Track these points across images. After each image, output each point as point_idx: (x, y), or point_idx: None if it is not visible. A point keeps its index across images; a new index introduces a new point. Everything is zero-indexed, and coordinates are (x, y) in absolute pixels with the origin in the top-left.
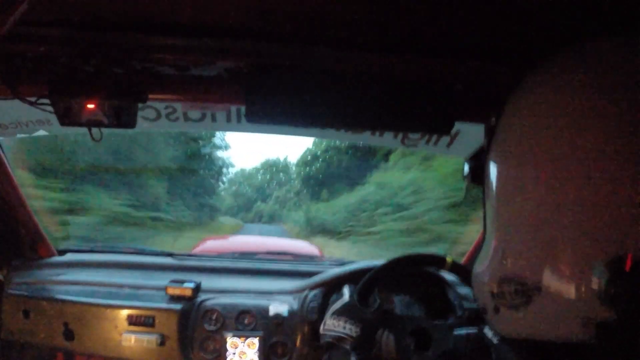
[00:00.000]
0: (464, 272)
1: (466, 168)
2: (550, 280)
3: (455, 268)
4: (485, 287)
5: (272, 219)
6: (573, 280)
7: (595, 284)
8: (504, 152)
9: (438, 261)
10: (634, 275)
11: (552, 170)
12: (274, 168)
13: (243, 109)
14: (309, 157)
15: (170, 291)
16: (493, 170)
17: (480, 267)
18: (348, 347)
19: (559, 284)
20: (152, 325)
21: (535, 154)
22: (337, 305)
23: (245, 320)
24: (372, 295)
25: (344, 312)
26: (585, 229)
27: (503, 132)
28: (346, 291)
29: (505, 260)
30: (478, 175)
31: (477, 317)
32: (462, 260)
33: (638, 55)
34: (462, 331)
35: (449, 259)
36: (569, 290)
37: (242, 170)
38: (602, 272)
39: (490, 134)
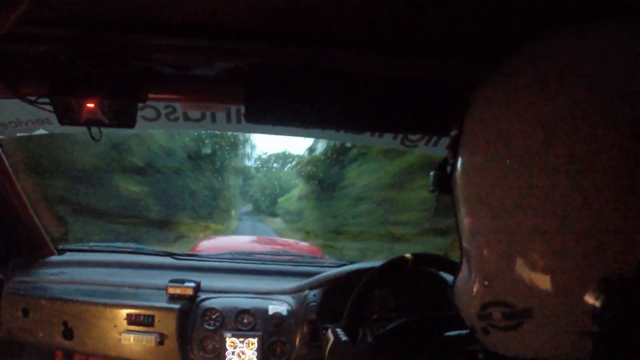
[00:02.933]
0: (433, 260)
1: (431, 178)
2: (540, 303)
3: (421, 260)
4: (470, 309)
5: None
6: (564, 301)
7: (587, 304)
8: (469, 162)
9: (399, 263)
10: (626, 294)
11: (525, 182)
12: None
13: (243, 109)
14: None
15: (171, 291)
16: (459, 180)
17: (461, 286)
18: None
19: (551, 307)
20: (151, 324)
21: (503, 163)
22: (327, 349)
23: (245, 320)
24: (360, 323)
25: (336, 355)
26: (572, 250)
27: (467, 138)
28: (331, 334)
29: (488, 283)
30: (445, 185)
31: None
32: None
33: (607, 49)
34: (454, 332)
35: (407, 256)
36: (562, 312)
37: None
38: (594, 292)
39: (455, 139)
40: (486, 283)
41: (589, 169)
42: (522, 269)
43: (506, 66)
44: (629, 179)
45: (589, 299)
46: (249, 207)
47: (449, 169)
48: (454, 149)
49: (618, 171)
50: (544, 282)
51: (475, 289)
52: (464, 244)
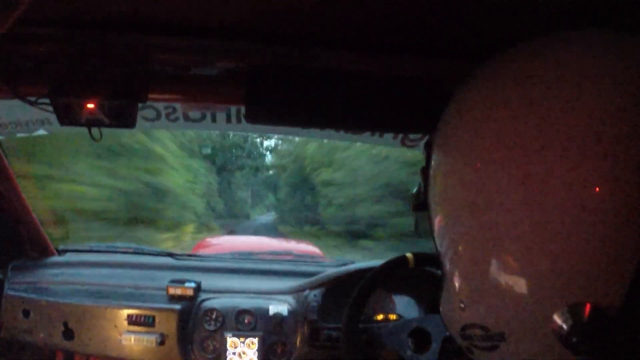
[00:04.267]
0: (433, 259)
1: (411, 198)
2: (512, 328)
3: (421, 260)
4: (452, 329)
5: None
6: (534, 325)
7: (555, 328)
8: (440, 161)
9: (400, 263)
10: (595, 322)
11: (489, 183)
12: None
13: (243, 109)
14: None
15: (171, 291)
16: (431, 197)
17: (444, 306)
18: None
19: (522, 331)
20: (152, 325)
21: (470, 165)
22: None
23: (245, 320)
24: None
25: None
26: (543, 274)
27: (442, 137)
28: None
29: (463, 306)
30: (423, 203)
31: None
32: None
33: (596, 54)
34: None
35: (408, 255)
36: (533, 337)
37: None
38: (562, 316)
39: (428, 149)
40: (462, 306)
41: (565, 190)
42: (493, 293)
43: (481, 70)
44: (605, 197)
45: (557, 323)
46: (268, 216)
47: (421, 182)
48: (429, 152)
49: (593, 190)
50: (514, 306)
51: (454, 311)
52: (443, 265)
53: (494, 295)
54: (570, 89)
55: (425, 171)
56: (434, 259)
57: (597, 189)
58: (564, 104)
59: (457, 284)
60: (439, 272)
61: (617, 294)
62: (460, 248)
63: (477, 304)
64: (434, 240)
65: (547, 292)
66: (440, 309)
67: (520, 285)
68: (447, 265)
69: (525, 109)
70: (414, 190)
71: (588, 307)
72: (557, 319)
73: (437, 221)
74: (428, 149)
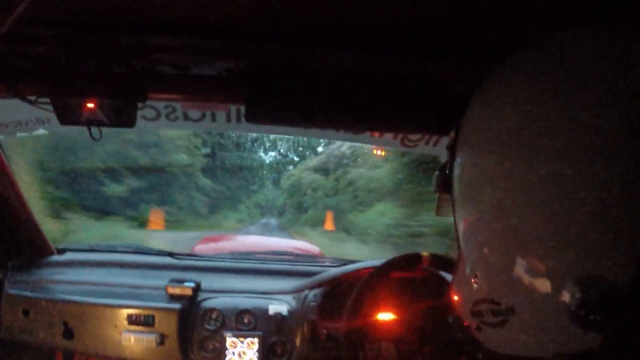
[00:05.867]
0: (449, 263)
1: (434, 178)
2: (522, 302)
3: (436, 261)
4: (464, 306)
5: None
6: (545, 301)
7: (567, 305)
8: (466, 162)
9: (414, 260)
10: (604, 298)
11: (515, 186)
12: None
13: (243, 108)
14: None
15: (170, 290)
16: (456, 181)
17: (457, 284)
18: None
19: (532, 306)
20: (151, 324)
21: (498, 164)
22: None
23: (245, 320)
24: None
25: None
26: (555, 250)
27: (466, 135)
28: None
29: (476, 280)
30: (446, 185)
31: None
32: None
33: (605, 49)
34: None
35: (424, 254)
36: (542, 313)
37: None
38: (574, 293)
39: (454, 139)
40: (476, 281)
41: (582, 174)
42: (506, 268)
43: (502, 69)
44: (622, 184)
45: (566, 297)
46: (272, 222)
47: (447, 170)
48: (452, 150)
49: (612, 178)
50: (525, 280)
51: (468, 287)
52: (460, 243)
53: (506, 269)
54: (596, 87)
55: (452, 147)
56: (448, 262)
57: (614, 178)
58: (589, 103)
59: (471, 260)
60: (440, 272)
61: (627, 270)
62: (476, 226)
63: (490, 278)
64: (454, 218)
65: (557, 266)
66: (452, 290)
67: (531, 259)
68: (463, 243)
69: (547, 108)
70: (437, 173)
71: (598, 282)
72: (566, 293)
73: (458, 203)
74: (456, 127)
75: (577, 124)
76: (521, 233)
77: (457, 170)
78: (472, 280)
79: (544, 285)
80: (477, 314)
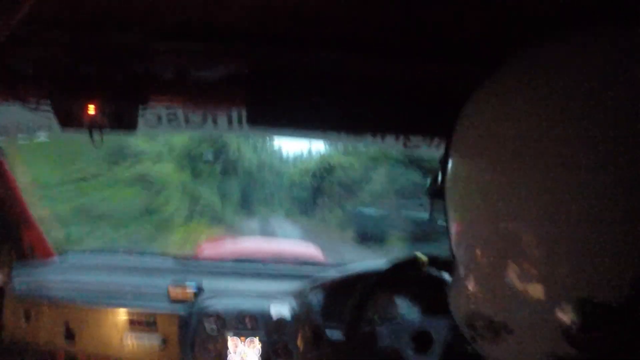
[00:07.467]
0: (448, 265)
1: (427, 183)
2: (515, 320)
3: (435, 264)
4: (458, 317)
5: None
6: (539, 320)
7: (563, 324)
8: (458, 168)
9: (411, 264)
10: (599, 319)
11: (508, 186)
12: None
13: (244, 112)
14: None
15: (172, 293)
16: (449, 186)
17: (452, 294)
18: None
19: (526, 324)
20: (153, 327)
21: (490, 171)
22: None
23: (247, 323)
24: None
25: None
26: (551, 268)
27: (460, 139)
28: None
29: (470, 294)
30: (439, 190)
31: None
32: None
33: (608, 53)
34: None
35: (420, 257)
36: (536, 331)
37: None
38: (571, 312)
39: (447, 145)
40: (469, 292)
41: (582, 178)
42: (500, 282)
43: (496, 74)
44: (619, 196)
45: (565, 319)
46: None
47: (440, 175)
48: (445, 155)
49: (609, 189)
50: (520, 297)
51: (462, 298)
52: (453, 249)
53: (500, 286)
54: (596, 91)
55: (443, 163)
56: (447, 265)
57: (612, 194)
58: (587, 108)
59: (465, 271)
60: (440, 274)
61: (622, 292)
62: (467, 232)
63: (483, 293)
64: (448, 227)
65: (552, 287)
66: (449, 298)
67: (526, 278)
68: (455, 249)
69: (542, 114)
70: (430, 178)
71: (593, 304)
72: (562, 314)
73: (451, 210)
74: (449, 132)
75: (574, 131)
76: (513, 241)
77: (449, 176)
78: (467, 292)
79: (538, 305)
80: (472, 328)
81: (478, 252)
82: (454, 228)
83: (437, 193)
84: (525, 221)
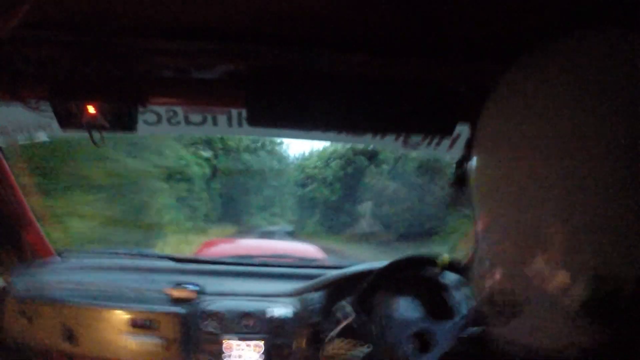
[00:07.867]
0: (462, 271)
1: (451, 172)
2: (531, 297)
3: (451, 268)
4: (479, 294)
5: None
6: (553, 299)
7: (575, 303)
8: (483, 157)
9: (430, 262)
10: (620, 295)
11: (532, 179)
12: None
13: (244, 112)
14: None
15: (173, 294)
16: (474, 176)
17: (475, 272)
18: None
19: (541, 302)
20: (154, 328)
21: (513, 162)
22: (336, 329)
23: (247, 323)
24: (370, 304)
25: (348, 333)
26: (571, 243)
27: (484, 132)
28: (340, 313)
29: (492, 270)
30: (463, 178)
31: (481, 317)
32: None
33: (622, 49)
34: (465, 333)
35: (440, 260)
36: (551, 308)
37: None
38: (582, 291)
39: (472, 133)
40: (491, 270)
41: (601, 171)
42: (522, 260)
43: (518, 69)
44: (636, 185)
45: (575, 295)
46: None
47: (465, 164)
48: (469, 147)
49: (626, 179)
50: (542, 272)
51: (482, 276)
52: (477, 236)
53: (516, 262)
54: (613, 86)
55: (468, 143)
56: (461, 271)
57: (630, 182)
58: (604, 104)
59: (490, 250)
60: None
61: (636, 270)
62: (492, 221)
63: (506, 269)
64: (472, 211)
65: (566, 264)
66: (471, 275)
67: (544, 254)
68: (480, 235)
69: (563, 109)
70: (454, 166)
71: (608, 278)
72: (575, 291)
73: (476, 199)
74: (472, 123)
75: (593, 125)
76: (536, 229)
77: (474, 167)
78: (489, 270)
79: (553, 282)
80: (492, 304)
81: (502, 235)
82: (478, 214)
83: (461, 182)
84: (548, 207)
